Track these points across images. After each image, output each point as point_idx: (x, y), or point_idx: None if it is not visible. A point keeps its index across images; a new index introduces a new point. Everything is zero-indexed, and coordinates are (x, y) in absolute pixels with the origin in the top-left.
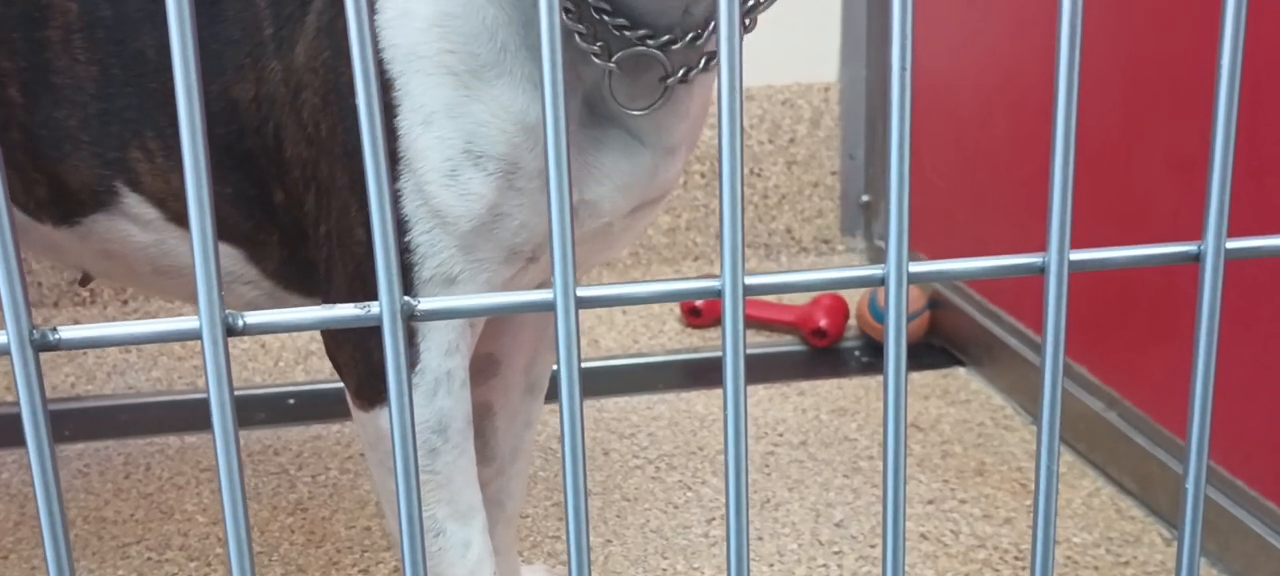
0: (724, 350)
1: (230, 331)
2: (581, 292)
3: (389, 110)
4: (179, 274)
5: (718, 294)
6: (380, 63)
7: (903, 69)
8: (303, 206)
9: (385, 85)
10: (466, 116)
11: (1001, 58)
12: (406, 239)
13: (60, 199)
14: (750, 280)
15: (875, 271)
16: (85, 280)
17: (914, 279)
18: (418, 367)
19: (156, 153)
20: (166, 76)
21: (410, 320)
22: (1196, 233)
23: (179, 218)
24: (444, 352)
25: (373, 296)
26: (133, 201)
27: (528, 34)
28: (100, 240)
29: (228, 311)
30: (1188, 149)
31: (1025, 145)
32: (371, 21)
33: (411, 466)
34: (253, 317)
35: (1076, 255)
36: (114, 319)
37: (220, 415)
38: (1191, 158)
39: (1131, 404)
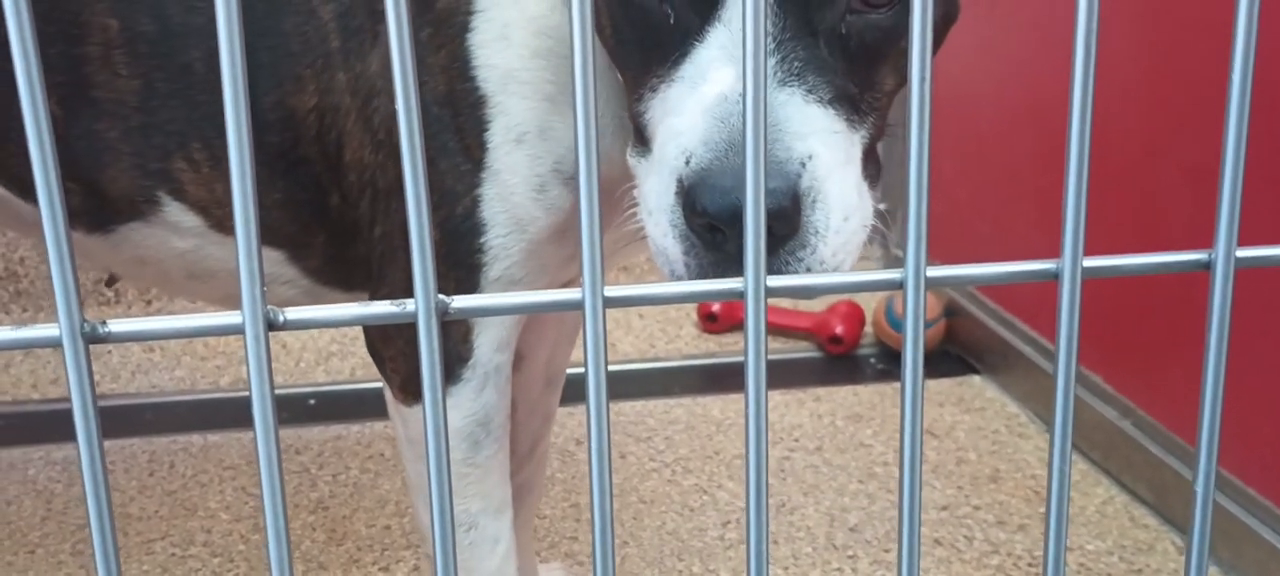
0: (746, 350)
1: (271, 326)
2: (609, 292)
3: (480, 124)
4: (213, 277)
5: (741, 295)
6: (474, 80)
7: (922, 79)
8: (357, 209)
9: (477, 101)
10: (556, 138)
11: (1021, 65)
12: (480, 241)
13: (96, 207)
14: (773, 281)
15: (893, 275)
16: (111, 281)
17: (932, 283)
18: (470, 362)
19: (203, 163)
20: (213, 88)
21: (444, 316)
22: (1209, 242)
23: (221, 225)
24: (496, 348)
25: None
26: (174, 210)
27: (603, 75)
28: (134, 247)
29: (269, 306)
30: (1206, 157)
31: (1044, 153)
32: (462, 40)
33: (443, 462)
34: (293, 313)
35: (1090, 262)
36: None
37: (261, 409)
38: (1209, 166)
39: (1146, 413)
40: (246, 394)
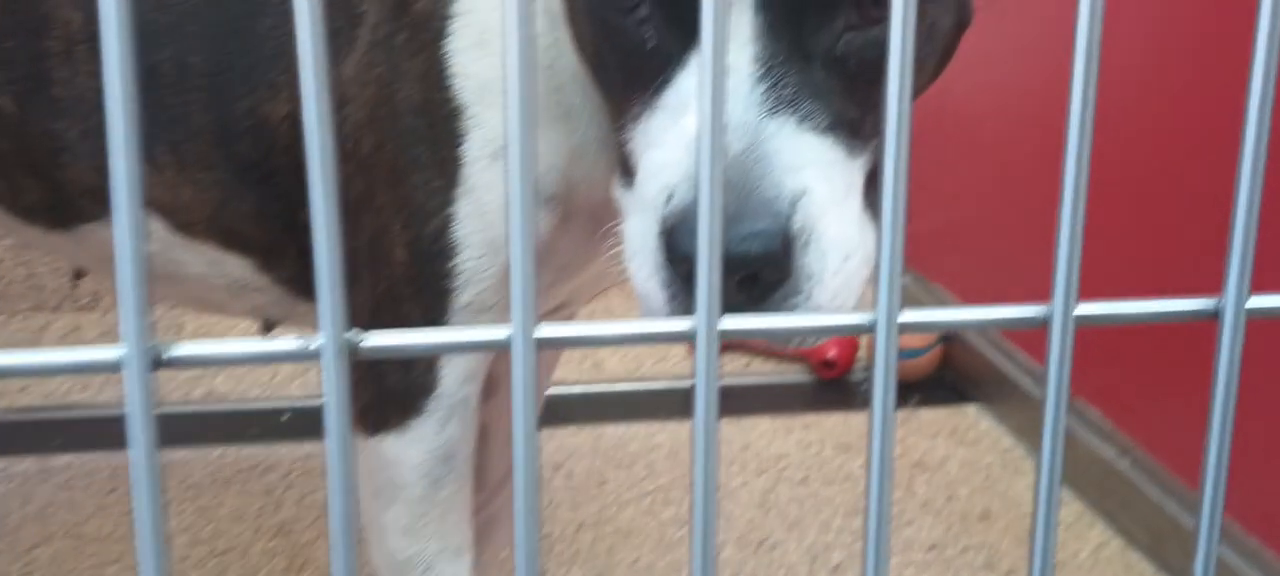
0: (697, 396)
1: (157, 363)
2: (541, 332)
3: (455, 137)
4: (182, 279)
5: (690, 338)
6: (449, 89)
7: (900, 113)
8: None
9: (453, 112)
10: (537, 155)
11: (1026, 82)
12: (452, 263)
13: (56, 205)
14: (726, 323)
15: (863, 319)
16: (78, 275)
17: (905, 329)
18: (434, 393)
19: (168, 166)
20: (182, 92)
21: (354, 356)
22: (1222, 276)
23: (186, 228)
24: (463, 379)
25: (400, 318)
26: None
27: (589, 94)
28: (98, 246)
29: (155, 341)
30: (1212, 186)
31: (1049, 171)
32: (439, 46)
33: (349, 515)
34: (184, 349)
35: (1083, 309)
36: (115, 325)
37: (142, 455)
38: (1215, 195)
39: (1146, 453)
40: (218, 408)
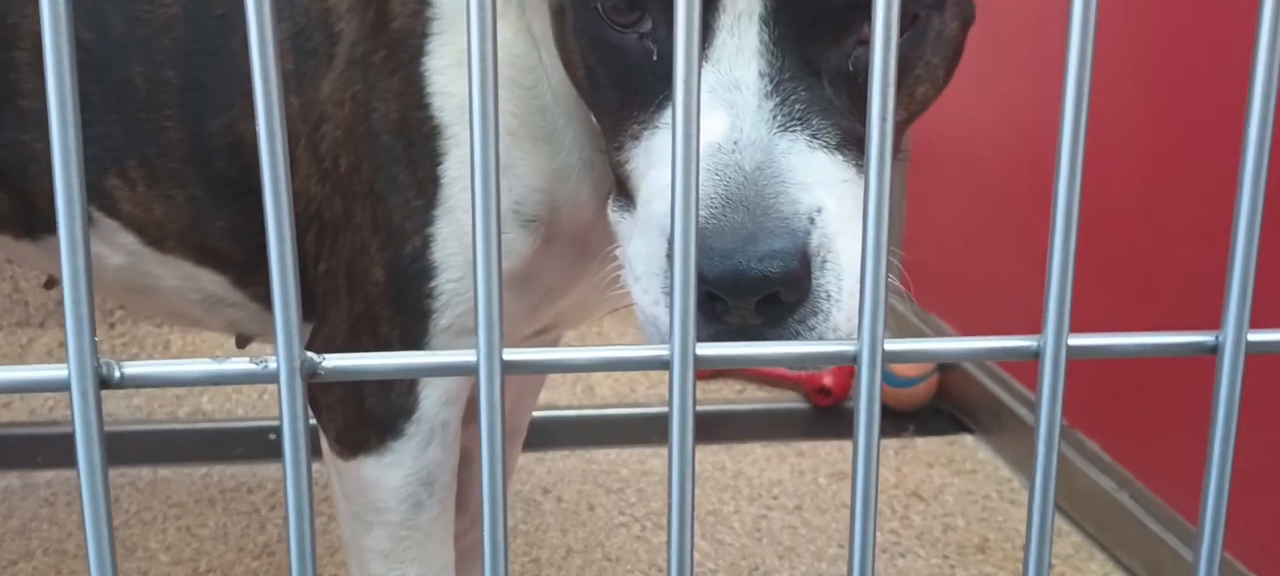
0: (671, 425)
1: (105, 384)
2: (508, 356)
3: (434, 156)
4: (156, 293)
5: (665, 365)
6: (428, 109)
7: (882, 119)
8: (303, 242)
9: (432, 132)
10: (517, 177)
11: (1021, 111)
12: (431, 284)
13: (25, 215)
14: (702, 350)
15: (846, 348)
16: (51, 283)
17: (890, 358)
18: (414, 416)
19: (139, 181)
20: (154, 107)
21: (312, 378)
22: (1220, 307)
23: (158, 243)
24: (443, 401)
25: (378, 339)
26: (108, 227)
27: (573, 114)
28: None
29: (105, 360)
30: (1208, 215)
31: (1044, 200)
32: (417, 65)
33: (306, 534)
34: (133, 369)
35: (1076, 341)
36: (98, 338)
37: (89, 479)
38: (1211, 225)
39: (1145, 486)
40: (203, 426)
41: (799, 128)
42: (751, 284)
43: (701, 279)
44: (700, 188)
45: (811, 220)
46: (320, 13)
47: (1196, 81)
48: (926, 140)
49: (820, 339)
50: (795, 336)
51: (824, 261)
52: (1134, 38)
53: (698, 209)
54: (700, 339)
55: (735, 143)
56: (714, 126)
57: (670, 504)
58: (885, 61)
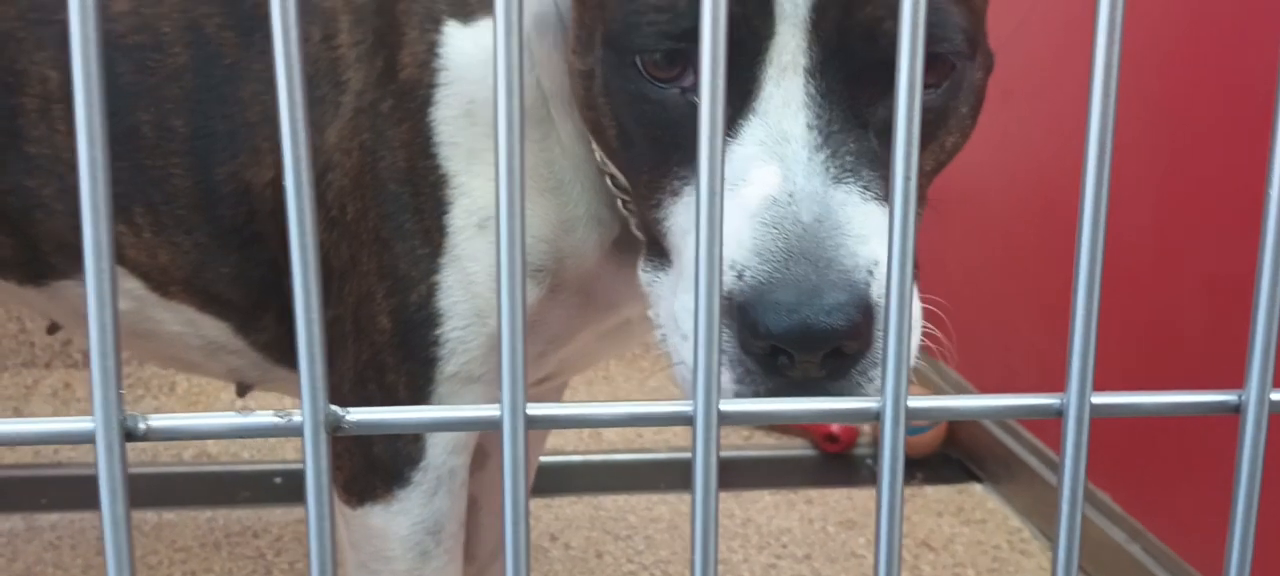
0: (694, 481)
1: (129, 436)
2: (531, 411)
3: (441, 205)
4: (157, 338)
5: (689, 420)
6: (435, 158)
7: (907, 177)
8: None
9: (439, 181)
10: (526, 229)
11: (1033, 162)
12: (437, 332)
13: (29, 261)
14: (725, 406)
15: (870, 405)
16: (52, 328)
17: (914, 415)
18: (421, 464)
19: (145, 228)
20: (162, 154)
21: (336, 431)
22: (1237, 361)
23: (163, 289)
24: (451, 449)
25: (385, 387)
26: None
27: (581, 167)
28: (71, 302)
29: (129, 413)
30: (1224, 267)
31: (1055, 252)
32: (425, 115)
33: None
34: (158, 421)
35: (1100, 399)
36: None
37: (113, 532)
38: (1228, 277)
39: (1156, 537)
40: (210, 470)
41: (851, 179)
42: (819, 337)
43: (768, 334)
44: (759, 241)
45: (871, 272)
46: (329, 61)
47: (1212, 136)
48: (937, 189)
49: (862, 395)
50: (858, 388)
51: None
52: (1151, 90)
53: (756, 263)
54: (761, 393)
55: (790, 195)
56: (767, 179)
57: (693, 560)
58: (909, 120)
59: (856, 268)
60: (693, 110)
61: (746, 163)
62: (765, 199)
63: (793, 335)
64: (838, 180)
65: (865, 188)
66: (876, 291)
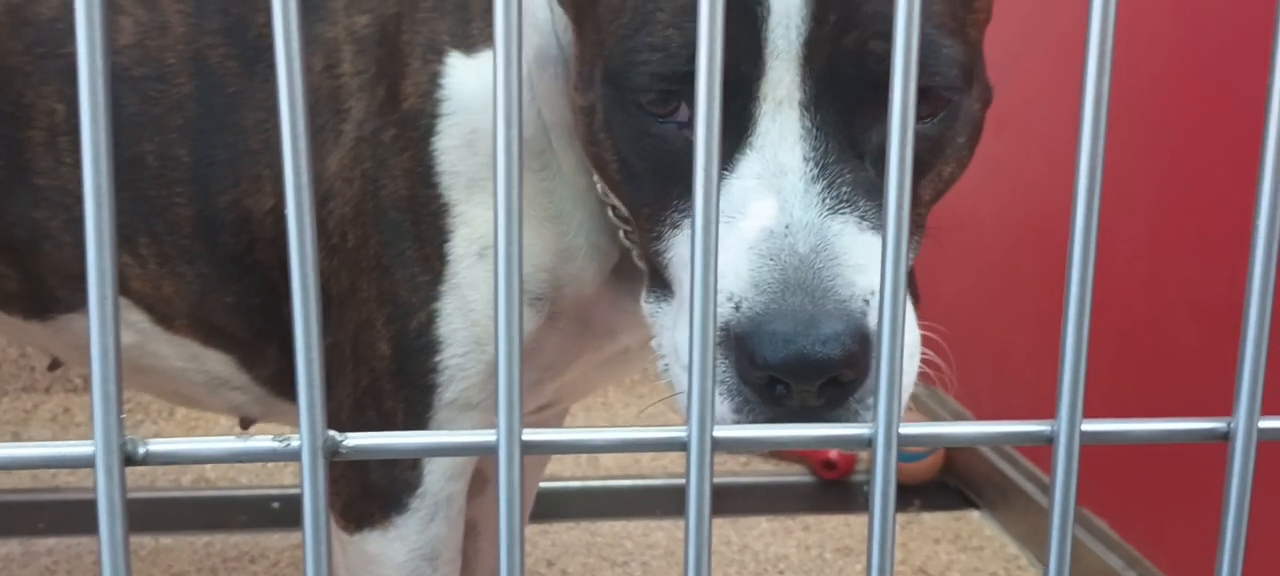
0: (687, 507)
1: (129, 460)
2: (527, 436)
3: (441, 233)
4: (159, 373)
5: (682, 446)
6: (437, 186)
7: (899, 204)
8: None
9: (440, 209)
10: (524, 257)
11: (1028, 189)
12: (436, 359)
13: (34, 293)
14: (719, 432)
15: (862, 431)
16: (54, 365)
17: (906, 441)
18: (418, 490)
19: (149, 258)
20: (165, 183)
21: (334, 456)
22: (1228, 386)
23: (167, 321)
24: (448, 476)
25: (383, 414)
26: (120, 306)
27: (582, 197)
28: (74, 336)
29: (129, 437)
30: (1215, 296)
31: (1051, 279)
32: (427, 144)
33: None
34: (157, 446)
35: (1090, 426)
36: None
37: (111, 557)
38: (1218, 306)
39: (1153, 564)
40: (206, 494)
41: (848, 210)
42: (815, 366)
43: (764, 364)
44: (756, 272)
45: (867, 301)
46: (330, 89)
47: (1204, 162)
48: (933, 216)
49: (853, 422)
50: (856, 416)
51: None
52: (1143, 116)
53: (752, 294)
54: (761, 421)
55: (787, 226)
56: (764, 211)
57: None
58: (901, 150)
59: (853, 297)
60: (689, 144)
61: (744, 196)
62: (762, 231)
63: (789, 365)
64: (834, 211)
65: (862, 217)
66: (873, 320)
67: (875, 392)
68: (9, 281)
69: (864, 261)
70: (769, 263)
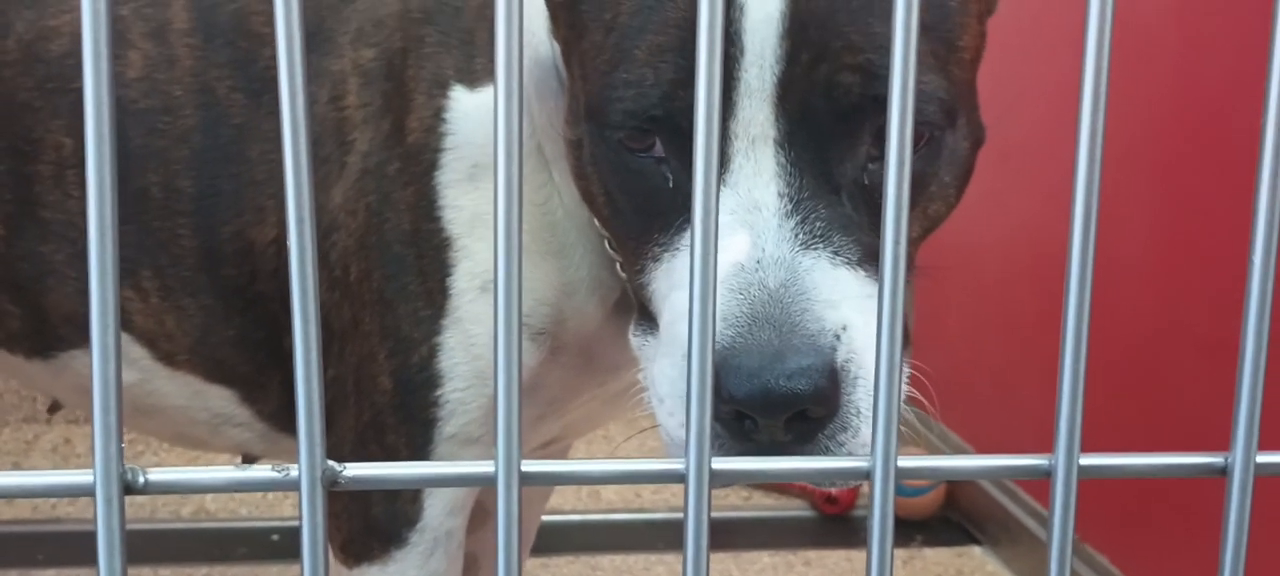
0: (686, 538)
1: (128, 489)
2: (525, 467)
3: (444, 267)
4: (162, 413)
5: (681, 478)
6: (439, 221)
7: (896, 242)
8: None
9: (443, 243)
10: (526, 290)
11: (1031, 224)
12: (437, 393)
13: (37, 331)
14: (717, 464)
15: (859, 464)
16: (54, 408)
17: (903, 474)
18: (418, 525)
19: (152, 293)
20: (169, 215)
21: (333, 486)
22: (1227, 422)
23: (169, 358)
24: (448, 510)
25: (385, 447)
26: (122, 341)
27: (584, 231)
28: (76, 375)
29: (128, 466)
30: (1218, 331)
31: (1053, 313)
32: (431, 178)
33: None
34: (157, 475)
35: (1088, 460)
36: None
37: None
38: (1221, 340)
39: None
40: (208, 526)
41: (821, 245)
42: (780, 401)
43: (730, 398)
44: (725, 307)
45: (837, 337)
46: (335, 122)
47: (1203, 198)
48: (936, 253)
49: (849, 455)
50: (825, 452)
51: (855, 377)
52: (1141, 154)
53: (720, 328)
54: (729, 455)
55: (758, 262)
56: (736, 247)
57: None
58: (898, 185)
59: (822, 332)
60: (666, 179)
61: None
62: (733, 265)
63: (754, 399)
64: (807, 246)
65: (836, 253)
66: (843, 356)
67: (852, 427)
68: (12, 319)
69: (835, 298)
70: (738, 297)
